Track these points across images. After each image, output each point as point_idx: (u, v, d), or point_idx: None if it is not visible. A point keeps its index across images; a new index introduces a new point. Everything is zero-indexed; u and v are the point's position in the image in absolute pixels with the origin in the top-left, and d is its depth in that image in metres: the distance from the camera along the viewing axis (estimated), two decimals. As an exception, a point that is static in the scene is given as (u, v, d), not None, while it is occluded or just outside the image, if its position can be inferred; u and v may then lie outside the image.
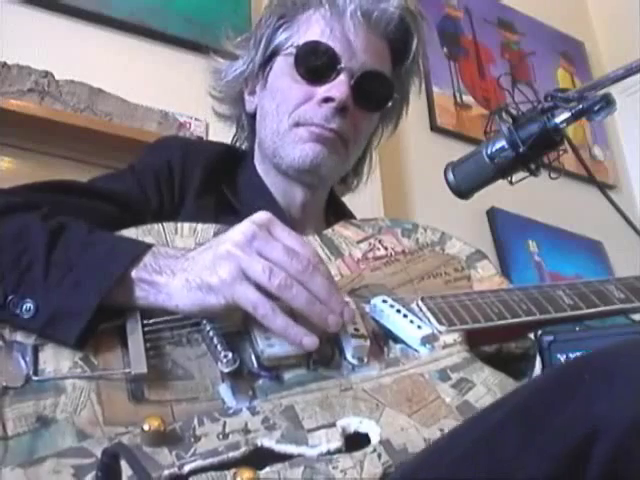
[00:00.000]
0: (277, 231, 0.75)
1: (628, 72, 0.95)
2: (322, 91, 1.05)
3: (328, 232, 0.99)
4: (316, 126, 1.05)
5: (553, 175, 1.02)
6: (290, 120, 1.07)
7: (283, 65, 1.10)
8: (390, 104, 1.13)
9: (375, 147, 1.26)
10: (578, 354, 1.09)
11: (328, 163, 1.07)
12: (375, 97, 1.10)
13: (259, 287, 0.71)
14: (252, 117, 1.17)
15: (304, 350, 0.72)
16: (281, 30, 1.12)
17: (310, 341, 0.71)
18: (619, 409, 0.49)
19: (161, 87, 1.95)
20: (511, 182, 1.02)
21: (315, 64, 1.07)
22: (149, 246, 0.77)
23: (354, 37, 1.07)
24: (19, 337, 0.72)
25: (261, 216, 0.76)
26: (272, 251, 0.72)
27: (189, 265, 0.74)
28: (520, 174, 1.01)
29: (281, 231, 0.76)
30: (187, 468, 0.60)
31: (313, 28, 1.09)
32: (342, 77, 1.05)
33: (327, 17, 1.08)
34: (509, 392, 0.64)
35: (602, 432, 0.49)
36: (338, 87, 1.04)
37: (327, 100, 1.05)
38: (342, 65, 1.05)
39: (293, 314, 0.73)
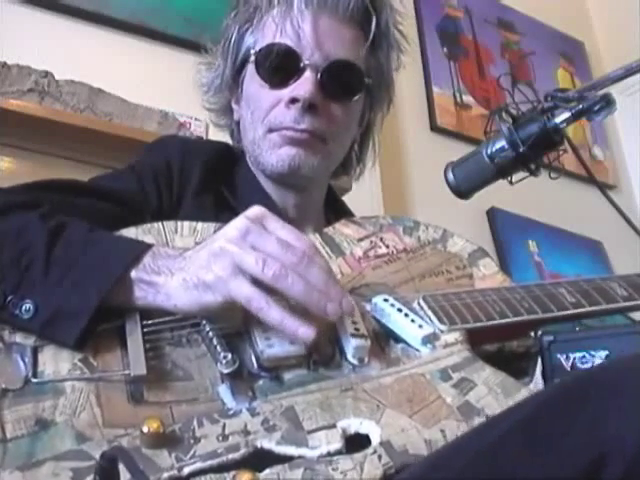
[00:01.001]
0: (271, 224, 0.75)
1: (628, 72, 0.95)
2: (287, 92, 1.04)
3: (329, 230, 0.99)
4: (287, 129, 1.04)
5: (553, 175, 1.02)
6: (263, 127, 1.06)
7: (252, 72, 1.09)
8: (365, 88, 1.11)
9: (377, 132, 1.23)
10: (578, 354, 1.08)
11: (307, 164, 1.05)
12: (345, 86, 1.07)
13: (256, 282, 0.71)
14: (238, 124, 1.17)
15: (301, 341, 0.71)
16: (247, 35, 1.11)
17: (306, 331, 0.69)
18: (628, 431, 0.48)
19: (161, 87, 1.95)
20: (511, 182, 1.02)
21: (275, 66, 1.05)
22: (149, 246, 0.77)
23: (311, 31, 1.04)
24: (18, 338, 0.71)
25: (255, 211, 0.76)
26: (266, 244, 0.72)
27: (186, 264, 0.74)
28: (520, 174, 1.01)
29: (275, 224, 0.75)
30: (187, 470, 0.59)
31: (269, 30, 1.07)
32: (307, 74, 1.03)
33: (280, 16, 1.06)
34: (513, 404, 0.63)
35: (612, 455, 0.47)
36: (302, 85, 1.02)
37: (293, 101, 1.03)
38: (305, 62, 1.03)
39: (292, 310, 0.72)
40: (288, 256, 0.71)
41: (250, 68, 1.10)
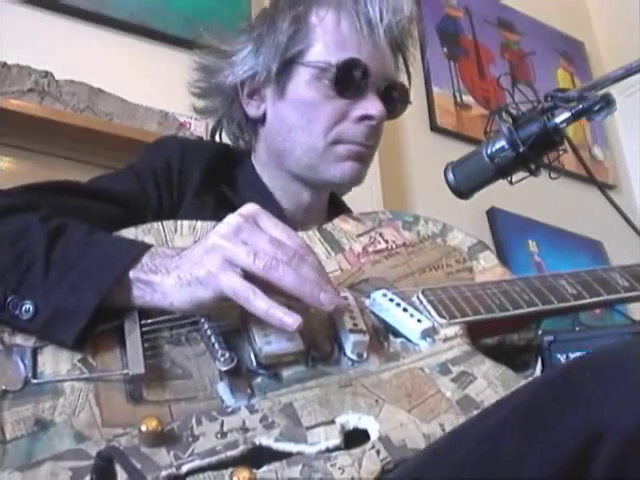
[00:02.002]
0: (264, 222, 0.75)
1: (628, 72, 0.95)
2: (359, 108, 1.07)
3: (328, 226, 0.99)
4: (356, 144, 1.08)
5: (553, 175, 1.02)
6: (328, 138, 1.07)
7: (308, 77, 1.08)
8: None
9: None
10: (578, 354, 1.08)
11: (363, 176, 1.12)
12: (396, 106, 1.14)
13: (248, 276, 0.70)
14: (254, 121, 1.15)
15: (288, 330, 0.69)
16: (299, 36, 1.09)
17: (292, 320, 0.68)
18: (623, 411, 0.49)
19: (161, 87, 1.95)
20: (511, 182, 1.02)
21: (352, 82, 1.07)
22: (147, 247, 0.77)
23: (377, 50, 1.08)
24: (18, 340, 0.72)
25: (248, 208, 0.76)
26: (258, 242, 0.72)
27: (182, 262, 0.74)
28: (520, 174, 1.01)
29: (268, 222, 0.75)
30: (185, 468, 0.59)
31: (346, 42, 1.08)
32: (373, 92, 1.08)
33: (359, 31, 1.08)
34: (511, 391, 0.63)
35: (606, 435, 0.48)
36: (374, 104, 1.07)
37: (366, 117, 1.07)
38: (371, 80, 1.07)
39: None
40: (278, 254, 0.71)
41: (303, 72, 1.08)
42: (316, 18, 1.09)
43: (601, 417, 0.49)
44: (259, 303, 0.69)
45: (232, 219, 0.74)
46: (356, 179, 1.11)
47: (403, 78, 1.19)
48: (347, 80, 1.07)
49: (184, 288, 0.72)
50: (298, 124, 1.09)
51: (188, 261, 0.74)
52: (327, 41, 1.08)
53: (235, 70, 1.13)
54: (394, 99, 1.12)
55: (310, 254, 0.75)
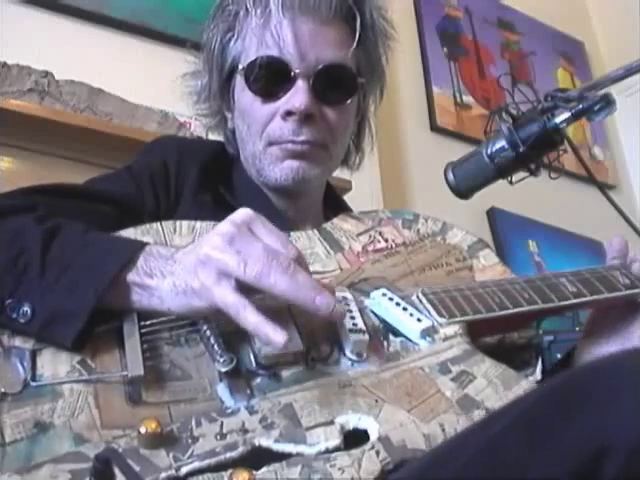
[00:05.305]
0: (258, 229, 0.73)
1: (628, 72, 0.95)
2: (284, 104, 1.02)
3: (327, 226, 0.98)
4: (287, 142, 1.03)
5: (553, 175, 1.02)
6: (262, 141, 1.05)
7: (242, 84, 1.07)
8: (359, 88, 1.09)
9: (372, 116, 1.21)
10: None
11: (311, 174, 1.05)
12: (338, 90, 1.05)
13: (243, 287, 0.69)
14: (233, 132, 1.15)
15: (278, 347, 0.67)
16: (231, 44, 1.08)
17: (279, 337, 0.66)
18: (629, 424, 0.48)
19: (161, 87, 1.94)
20: (511, 182, 1.02)
21: (265, 79, 1.03)
22: (142, 246, 0.76)
23: (297, 37, 1.02)
24: (17, 342, 0.71)
25: (242, 214, 0.74)
26: (251, 250, 0.70)
27: (176, 268, 0.73)
28: (520, 174, 1.01)
29: (262, 229, 0.73)
30: (184, 470, 0.59)
31: (252, 42, 1.05)
32: (299, 83, 1.01)
33: (261, 27, 1.03)
34: (515, 398, 0.62)
35: (613, 448, 0.47)
36: (296, 97, 1.01)
37: (289, 113, 1.02)
38: (295, 70, 1.01)
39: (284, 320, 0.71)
40: (272, 262, 0.69)
41: (239, 79, 1.08)
42: (242, 25, 1.07)
43: (606, 430, 0.49)
44: (249, 317, 0.67)
45: (225, 227, 0.72)
46: (300, 177, 1.04)
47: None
48: (259, 80, 1.03)
49: (180, 296, 0.72)
50: (244, 132, 1.09)
51: (183, 268, 0.72)
52: (252, 43, 1.05)
53: (204, 90, 1.15)
54: (332, 83, 1.03)
55: (304, 263, 0.73)
